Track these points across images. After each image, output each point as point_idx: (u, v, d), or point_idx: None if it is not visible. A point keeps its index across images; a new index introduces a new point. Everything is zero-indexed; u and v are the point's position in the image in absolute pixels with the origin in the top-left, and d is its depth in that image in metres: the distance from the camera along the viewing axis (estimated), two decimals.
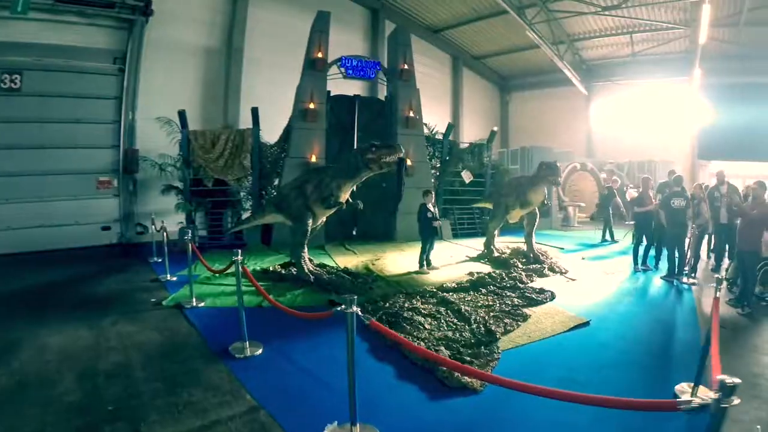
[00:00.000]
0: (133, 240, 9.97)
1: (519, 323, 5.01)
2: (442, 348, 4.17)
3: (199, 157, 9.07)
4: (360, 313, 2.63)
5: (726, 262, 7.80)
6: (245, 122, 10.37)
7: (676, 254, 7.09)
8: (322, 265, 7.35)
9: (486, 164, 12.47)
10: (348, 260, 8.27)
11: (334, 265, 7.75)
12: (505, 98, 23.08)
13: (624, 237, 10.99)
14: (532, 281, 6.89)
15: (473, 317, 4.99)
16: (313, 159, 9.52)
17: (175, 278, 6.72)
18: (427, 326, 4.79)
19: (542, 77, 20.07)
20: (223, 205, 9.57)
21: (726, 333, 4.57)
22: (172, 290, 6.11)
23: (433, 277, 7.10)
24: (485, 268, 7.73)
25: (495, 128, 12.91)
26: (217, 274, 5.79)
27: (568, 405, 2.30)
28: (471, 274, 7.19)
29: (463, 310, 5.21)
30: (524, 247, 8.83)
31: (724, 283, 6.56)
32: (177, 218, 9.26)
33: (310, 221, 6.55)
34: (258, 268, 7.30)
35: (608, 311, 5.55)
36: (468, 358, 3.94)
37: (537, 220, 8.62)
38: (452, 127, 12.47)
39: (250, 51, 12.40)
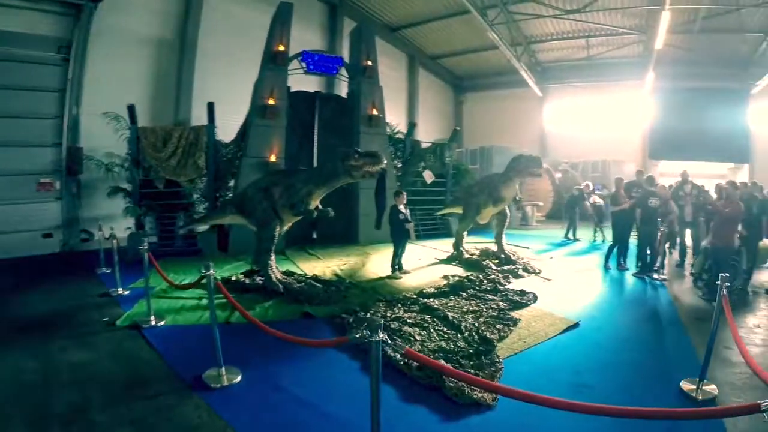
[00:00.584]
0: (78, 248, 9.05)
1: (510, 328, 4.90)
2: (442, 361, 3.92)
3: (150, 156, 8.25)
4: (387, 341, 2.21)
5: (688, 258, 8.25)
6: (198, 119, 9.71)
7: (648, 251, 7.38)
8: (288, 273, 6.95)
9: (447, 164, 12.48)
10: (313, 266, 7.87)
11: (301, 272, 7.33)
12: (459, 98, 23.46)
13: (593, 236, 11.48)
14: (509, 283, 6.88)
15: (463, 324, 4.80)
16: (273, 159, 8.98)
17: (127, 292, 6.00)
18: (417, 337, 4.53)
19: (497, 78, 20.57)
20: (174, 208, 8.77)
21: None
22: (126, 307, 5.41)
23: (408, 282, 6.89)
24: (458, 271, 7.65)
25: (457, 128, 12.95)
26: (173, 287, 5.22)
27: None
28: (446, 277, 7.07)
29: (450, 317, 5.01)
30: (492, 247, 8.90)
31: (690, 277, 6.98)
32: (125, 223, 8.43)
33: (278, 227, 6.09)
34: (218, 277, 6.65)
35: (593, 311, 5.61)
36: (472, 371, 3.73)
37: (507, 220, 8.67)
38: (414, 127, 12.37)
39: (204, 43, 11.67)
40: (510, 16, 13.83)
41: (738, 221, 5.94)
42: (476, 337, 4.55)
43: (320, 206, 6.28)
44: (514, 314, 5.31)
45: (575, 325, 5.00)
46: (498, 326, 4.88)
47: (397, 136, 11.97)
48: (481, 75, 21.28)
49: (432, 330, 4.74)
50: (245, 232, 7.88)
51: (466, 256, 8.60)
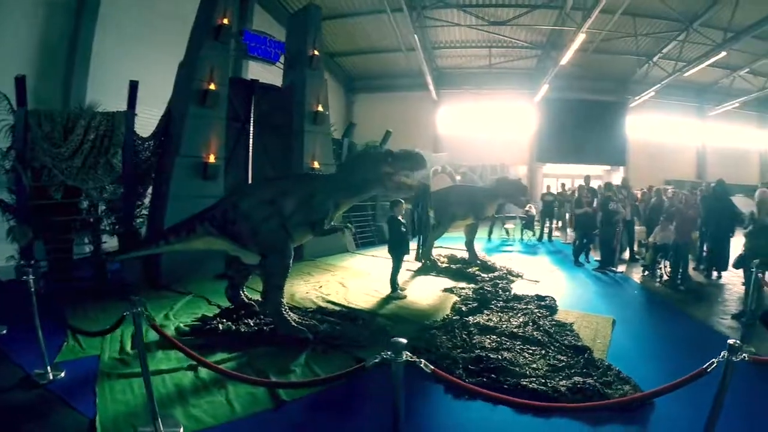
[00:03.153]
0: None
1: (574, 332, 4.99)
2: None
3: (45, 153, 5.91)
4: None
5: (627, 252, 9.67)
6: (98, 106, 7.43)
7: (609, 249, 8.42)
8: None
9: None
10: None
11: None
12: (350, 98, 23.38)
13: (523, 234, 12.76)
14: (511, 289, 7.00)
15: (541, 338, 4.72)
16: (211, 159, 7.47)
17: (62, 373, 3.79)
18: (521, 360, 4.20)
19: (391, 80, 21.14)
20: (71, 226, 6.51)
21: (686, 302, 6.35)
22: (83, 407, 3.27)
23: (421, 301, 6.41)
24: (449, 282, 7.46)
25: (389, 129, 12.83)
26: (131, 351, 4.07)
27: None
28: (450, 290, 6.87)
29: (521, 334, 4.86)
30: (457, 254, 9.10)
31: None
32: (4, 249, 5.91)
33: (292, 253, 4.90)
34: (181, 326, 4.97)
35: (600, 307, 6.14)
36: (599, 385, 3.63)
37: (478, 227, 8.94)
38: (353, 126, 11.84)
39: (108, 8, 9.15)
40: (424, 21, 14.32)
41: (696, 221, 7.18)
42: (563, 347, 4.51)
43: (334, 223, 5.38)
44: (559, 319, 5.45)
45: (614, 322, 5.40)
46: (566, 333, 4.93)
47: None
48: (375, 76, 21.56)
49: (517, 350, 4.47)
50: (182, 256, 6.39)
51: (444, 265, 8.52)
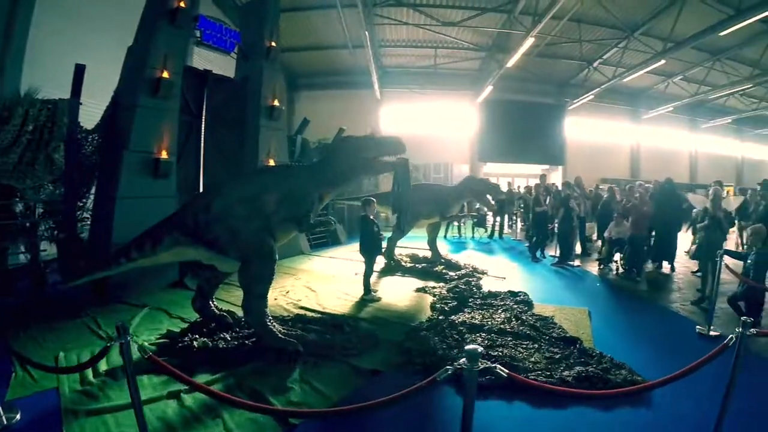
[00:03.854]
0: None
1: (557, 324, 5.22)
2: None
3: None
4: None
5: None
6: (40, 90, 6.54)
7: (568, 244, 8.93)
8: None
9: None
10: (232, 295, 6.14)
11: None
12: (292, 96, 22.75)
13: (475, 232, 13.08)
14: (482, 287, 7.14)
15: (530, 333, 4.86)
16: (163, 154, 6.87)
17: (18, 415, 3.18)
18: (518, 355, 4.29)
19: (335, 78, 20.81)
20: (3, 233, 5.64)
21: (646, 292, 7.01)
22: None
23: (397, 302, 6.29)
24: (417, 282, 7.44)
25: (344, 127, 12.70)
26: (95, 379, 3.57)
27: None
28: (423, 290, 6.88)
29: (510, 329, 4.98)
30: (419, 253, 9.19)
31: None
32: None
33: (277, 256, 4.52)
34: (145, 345, 4.24)
35: (572, 300, 6.48)
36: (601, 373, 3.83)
37: (441, 226, 9.05)
38: (307, 123, 11.50)
39: None
40: (374, 18, 14.25)
41: (650, 217, 7.78)
42: (553, 340, 4.70)
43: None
44: (536, 313, 5.66)
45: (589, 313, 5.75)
46: (551, 325, 5.16)
47: None
48: (318, 74, 21.14)
49: (511, 346, 4.55)
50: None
51: (409, 265, 8.50)
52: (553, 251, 9.71)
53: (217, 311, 4.91)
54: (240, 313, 5.17)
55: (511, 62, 13.77)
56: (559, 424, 3.18)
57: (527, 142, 19.03)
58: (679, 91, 19.99)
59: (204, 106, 8.11)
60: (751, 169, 26.28)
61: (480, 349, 2.14)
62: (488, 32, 15.13)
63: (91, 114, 6.62)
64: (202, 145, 8.14)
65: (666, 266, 8.36)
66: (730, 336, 2.64)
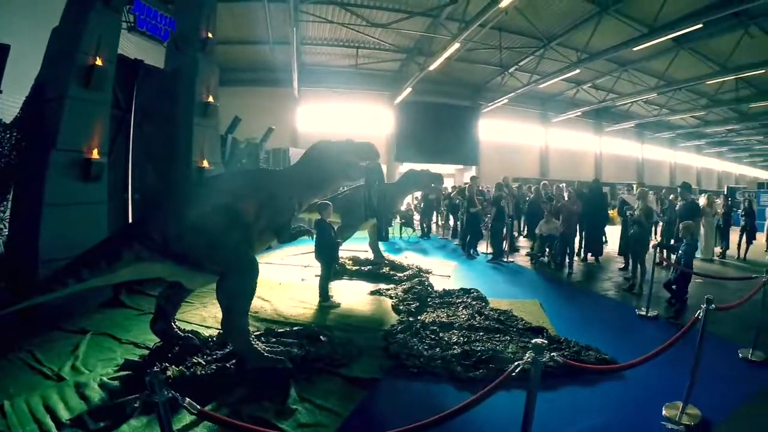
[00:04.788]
0: None
1: (518, 316, 5.65)
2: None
3: None
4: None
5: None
6: None
7: (500, 241, 9.73)
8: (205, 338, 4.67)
9: (262, 165, 11.81)
10: (192, 314, 5.75)
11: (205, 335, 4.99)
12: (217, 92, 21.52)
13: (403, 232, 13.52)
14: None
15: (498, 326, 5.23)
16: (95, 154, 6.12)
17: None
18: (500, 349, 4.60)
19: (253, 74, 20.07)
20: None
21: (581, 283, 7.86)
22: None
23: (357, 308, 6.30)
24: (368, 285, 7.57)
25: (273, 126, 12.30)
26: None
27: None
28: (377, 293, 7.00)
29: (479, 325, 5.29)
30: (360, 255, 9.32)
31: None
32: None
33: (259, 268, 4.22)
34: (105, 380, 3.81)
35: (520, 293, 7.06)
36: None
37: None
38: (239, 121, 10.97)
39: None
40: (299, 15, 14.02)
41: (579, 214, 8.72)
42: (521, 330, 5.14)
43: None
44: (495, 307, 6.09)
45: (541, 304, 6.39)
46: (513, 318, 5.59)
47: None
48: (237, 69, 20.11)
49: (485, 340, 4.88)
50: None
51: (355, 268, 8.55)
52: (484, 248, 10.43)
53: (181, 332, 4.51)
54: (206, 332, 4.91)
55: (435, 65, 14.40)
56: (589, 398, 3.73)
57: (443, 142, 20.14)
58: (588, 97, 22.41)
59: (134, 100, 7.35)
60: (651, 169, 30.53)
61: (545, 341, 2.42)
62: (411, 35, 15.64)
63: (8, 106, 5.67)
64: (131, 143, 7.38)
65: (590, 258, 9.46)
66: (698, 311, 3.19)
